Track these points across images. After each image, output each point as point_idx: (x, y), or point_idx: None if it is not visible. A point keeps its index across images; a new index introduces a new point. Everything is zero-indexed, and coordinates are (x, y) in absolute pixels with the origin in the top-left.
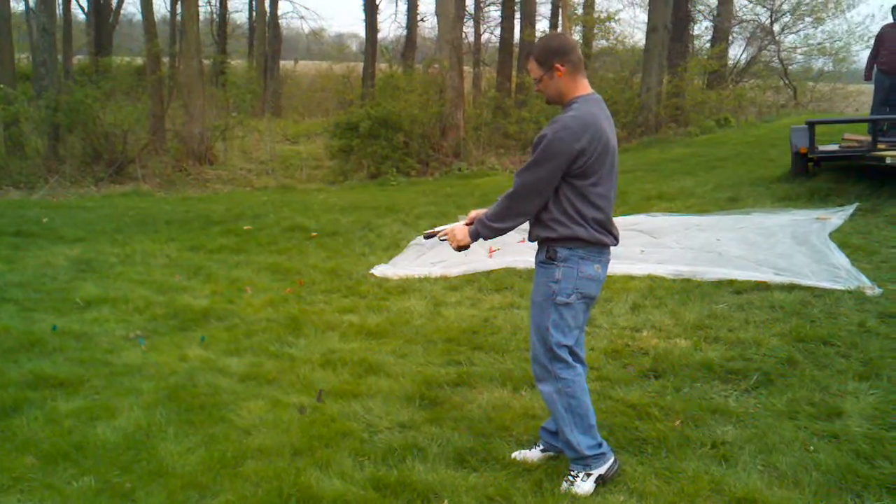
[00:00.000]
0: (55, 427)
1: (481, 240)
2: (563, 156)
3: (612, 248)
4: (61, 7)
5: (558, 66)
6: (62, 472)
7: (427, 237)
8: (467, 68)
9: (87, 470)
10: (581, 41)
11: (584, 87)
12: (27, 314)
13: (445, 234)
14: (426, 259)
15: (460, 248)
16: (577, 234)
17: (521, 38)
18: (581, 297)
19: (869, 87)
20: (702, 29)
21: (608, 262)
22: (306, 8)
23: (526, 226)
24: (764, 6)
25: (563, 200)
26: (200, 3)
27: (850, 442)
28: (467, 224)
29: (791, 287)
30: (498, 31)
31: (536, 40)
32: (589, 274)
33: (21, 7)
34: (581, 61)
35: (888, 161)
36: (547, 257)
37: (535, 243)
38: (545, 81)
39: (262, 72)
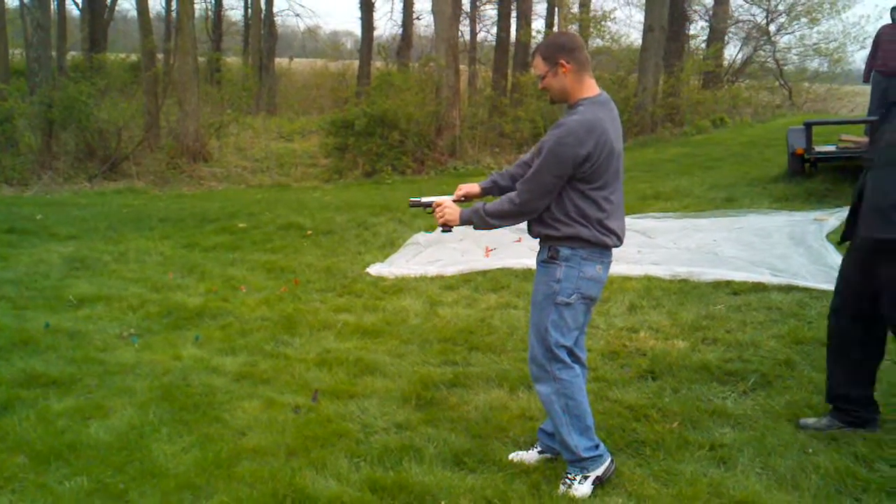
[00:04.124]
0: (47, 426)
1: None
2: (567, 161)
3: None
4: (56, 3)
5: (563, 62)
6: (54, 472)
7: (413, 206)
8: (463, 67)
9: (80, 470)
10: None
11: (591, 87)
12: (20, 312)
13: (434, 207)
14: (422, 258)
15: (445, 227)
16: (579, 233)
17: (518, 37)
18: (582, 298)
19: (864, 89)
20: (698, 29)
21: (610, 264)
22: (302, 5)
23: (522, 225)
24: (760, 6)
25: (567, 202)
26: None
27: (849, 445)
28: (457, 199)
29: (788, 288)
30: (494, 30)
31: (544, 38)
32: (590, 275)
33: (15, 3)
34: (588, 61)
35: None
36: (549, 256)
37: (534, 243)
38: (549, 78)
39: (257, 69)
